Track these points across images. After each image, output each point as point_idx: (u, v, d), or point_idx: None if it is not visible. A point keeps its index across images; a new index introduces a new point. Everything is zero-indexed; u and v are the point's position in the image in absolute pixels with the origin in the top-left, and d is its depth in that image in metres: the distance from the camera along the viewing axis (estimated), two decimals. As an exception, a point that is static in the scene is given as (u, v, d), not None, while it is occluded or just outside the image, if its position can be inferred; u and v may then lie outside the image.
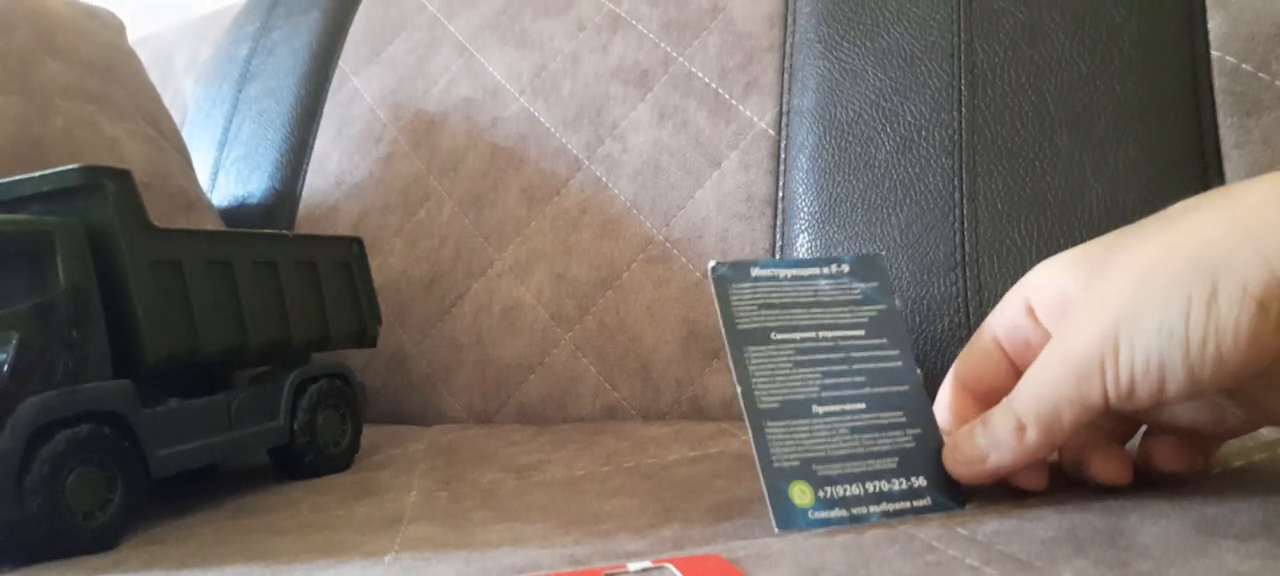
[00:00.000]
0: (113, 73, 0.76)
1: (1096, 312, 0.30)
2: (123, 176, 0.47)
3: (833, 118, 0.64)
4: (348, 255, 0.62)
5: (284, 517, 0.44)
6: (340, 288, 0.60)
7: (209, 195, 0.90)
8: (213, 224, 0.78)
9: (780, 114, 0.66)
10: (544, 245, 0.72)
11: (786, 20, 0.68)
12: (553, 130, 0.75)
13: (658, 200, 0.68)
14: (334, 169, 0.85)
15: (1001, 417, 0.32)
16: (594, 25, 0.76)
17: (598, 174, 0.72)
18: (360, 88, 0.87)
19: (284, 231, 0.59)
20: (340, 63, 0.90)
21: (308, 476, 0.54)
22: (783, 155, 0.65)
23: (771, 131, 0.66)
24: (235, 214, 0.87)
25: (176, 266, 0.49)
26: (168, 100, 0.87)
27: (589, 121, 0.74)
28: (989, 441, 0.32)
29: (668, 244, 0.67)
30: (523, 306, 0.72)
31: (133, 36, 0.92)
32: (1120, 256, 0.30)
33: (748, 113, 0.67)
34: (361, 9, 0.93)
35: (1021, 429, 0.32)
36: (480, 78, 0.80)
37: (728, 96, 0.69)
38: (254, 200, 0.87)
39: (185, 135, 0.95)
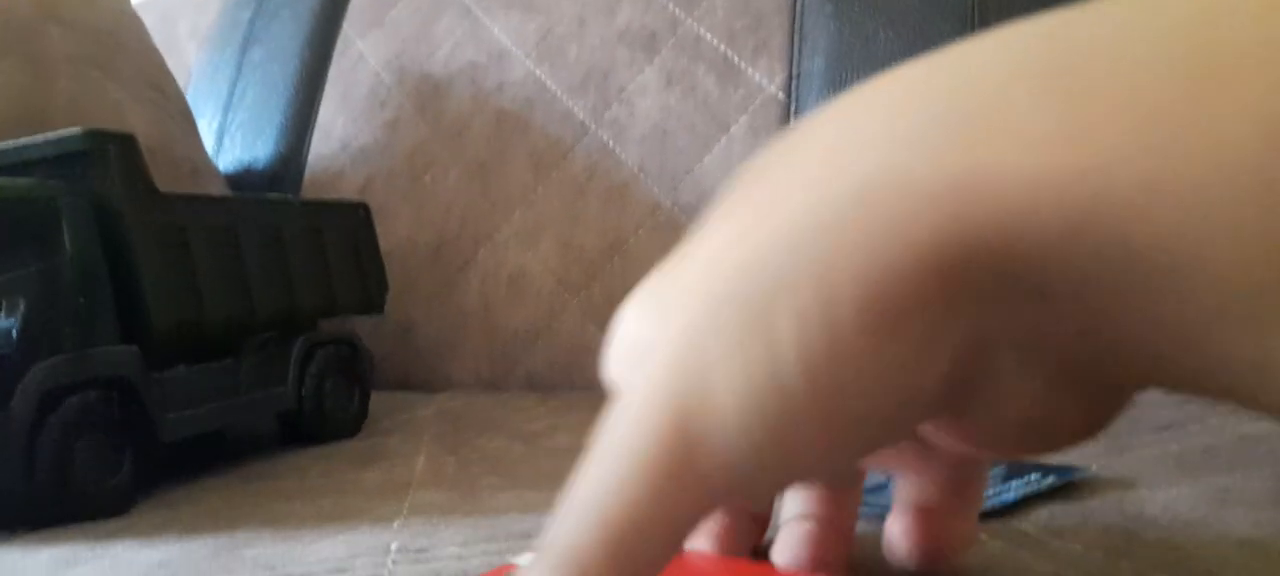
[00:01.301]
0: (116, 38, 0.76)
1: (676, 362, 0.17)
2: (127, 141, 0.47)
3: (843, 81, 0.63)
4: (354, 221, 0.62)
5: (292, 483, 0.44)
6: (346, 254, 0.60)
7: (214, 160, 0.89)
8: (218, 189, 0.78)
9: (790, 77, 0.65)
10: (551, 211, 0.72)
11: (796, -18, 0.67)
12: (559, 95, 0.74)
13: (665, 165, 0.68)
14: (339, 134, 0.84)
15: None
16: (601, -12, 0.75)
17: (605, 139, 0.71)
18: (365, 51, 0.87)
19: (289, 197, 0.58)
20: (345, 25, 0.90)
21: (315, 442, 0.54)
22: (792, 119, 0.64)
23: (781, 95, 0.65)
24: (241, 179, 0.87)
25: (182, 233, 0.48)
26: (172, 66, 0.86)
27: (596, 86, 0.73)
28: None
29: (676, 210, 0.66)
30: (530, 273, 0.71)
31: (136, 1, 0.92)
32: (676, 285, 0.18)
33: (757, 77, 0.67)
34: (366, -29, 0.92)
35: None
36: (486, 41, 0.80)
37: (736, 60, 0.68)
38: (259, 166, 0.87)
39: (189, 100, 0.94)
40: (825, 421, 0.16)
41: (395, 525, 0.35)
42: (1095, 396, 0.17)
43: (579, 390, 0.66)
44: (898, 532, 0.23)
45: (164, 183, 0.49)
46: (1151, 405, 0.43)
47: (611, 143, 0.71)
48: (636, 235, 0.68)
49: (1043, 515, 0.30)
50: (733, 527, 0.24)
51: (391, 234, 0.78)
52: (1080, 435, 0.18)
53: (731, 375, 0.16)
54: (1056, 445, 0.18)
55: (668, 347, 0.17)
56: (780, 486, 0.20)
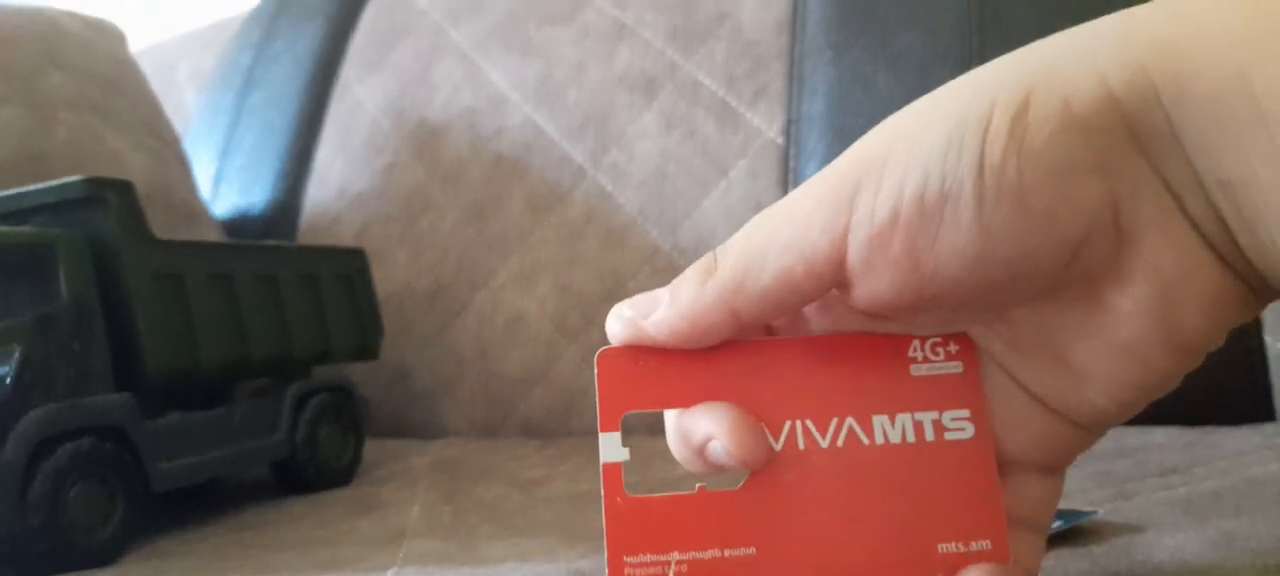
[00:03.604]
0: (115, 84, 0.76)
1: (857, 145, 0.22)
2: (125, 188, 0.47)
3: (842, 125, 0.63)
4: (350, 267, 0.62)
5: (286, 532, 0.44)
6: (342, 300, 0.60)
7: (211, 204, 0.89)
8: (214, 235, 0.78)
9: (789, 122, 0.66)
10: (548, 255, 0.72)
11: (795, 26, 0.68)
12: (557, 139, 0.75)
13: (664, 209, 0.68)
14: (336, 179, 0.85)
15: (698, 261, 0.23)
16: (599, 33, 0.76)
17: (603, 183, 0.71)
18: (363, 96, 0.87)
19: (285, 243, 0.58)
20: (343, 71, 0.90)
21: (309, 490, 0.54)
22: (791, 163, 0.64)
23: (779, 139, 0.65)
24: (237, 224, 0.87)
25: (178, 279, 0.48)
26: (170, 111, 0.86)
27: (594, 130, 0.73)
28: (670, 287, 0.23)
29: (675, 253, 0.66)
30: (526, 318, 0.71)
31: (135, 48, 0.92)
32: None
33: (756, 121, 0.67)
34: (365, 16, 0.93)
35: (710, 269, 0.22)
36: (484, 87, 0.80)
37: (735, 104, 0.68)
38: (256, 210, 0.87)
39: (187, 143, 0.94)
40: (1016, 204, 0.19)
41: (390, 574, 0.34)
42: (1220, 285, 0.20)
43: (576, 435, 0.66)
44: None
45: (161, 228, 0.49)
46: (1158, 449, 0.42)
47: (610, 186, 0.71)
48: (635, 278, 0.68)
49: (1050, 561, 0.29)
50: None
51: (388, 278, 0.78)
52: (1200, 343, 0.21)
53: (960, 125, 0.20)
54: (1178, 365, 0.21)
55: (882, 126, 0.21)
56: (923, 274, 0.21)
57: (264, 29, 1.00)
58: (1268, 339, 0.46)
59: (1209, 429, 0.44)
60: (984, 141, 0.19)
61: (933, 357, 0.23)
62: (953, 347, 0.23)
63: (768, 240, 0.22)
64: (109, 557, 0.41)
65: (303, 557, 0.38)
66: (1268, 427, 0.44)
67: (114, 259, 0.45)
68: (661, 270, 0.66)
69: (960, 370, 0.23)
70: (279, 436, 0.52)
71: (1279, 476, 0.36)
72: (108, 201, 0.45)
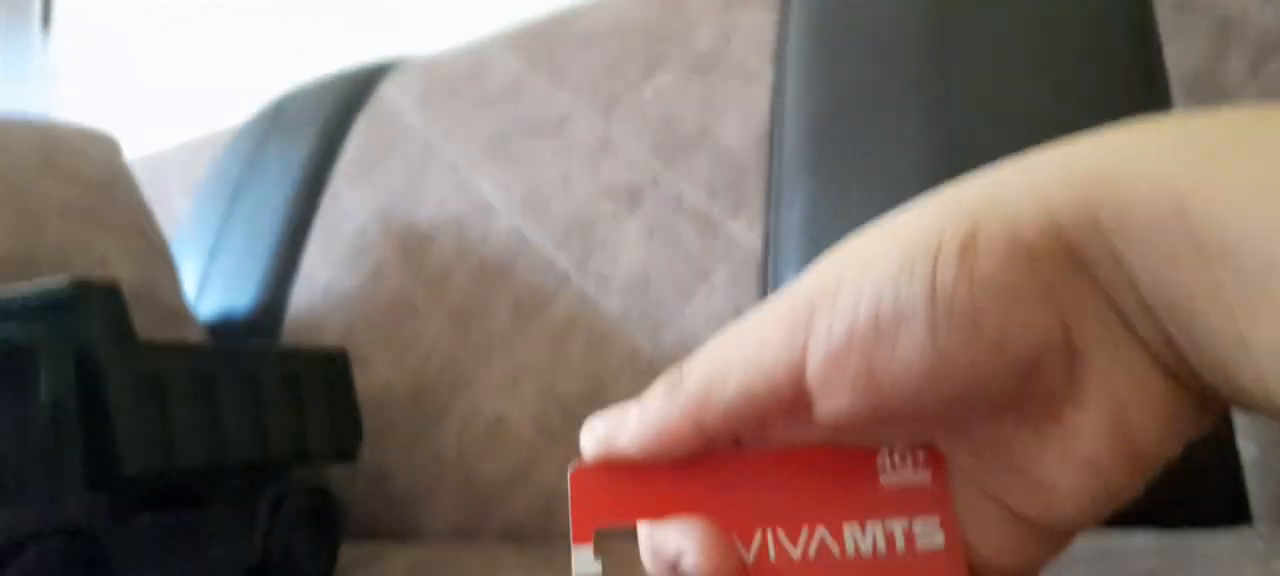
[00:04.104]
0: (107, 191, 0.77)
1: (814, 268, 0.23)
2: (110, 291, 0.47)
3: (820, 234, 0.65)
4: (331, 369, 0.62)
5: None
6: (322, 402, 0.60)
7: (196, 306, 0.90)
8: (197, 336, 0.78)
9: (767, 231, 0.67)
10: (531, 360, 0.72)
11: (773, 143, 0.70)
12: (542, 246, 0.76)
13: (647, 314, 0.69)
14: (321, 282, 0.85)
15: (662, 376, 0.24)
16: (585, 147, 0.78)
17: (587, 288, 0.72)
18: (351, 205, 0.89)
19: (267, 345, 0.58)
20: (333, 180, 0.92)
21: (283, 597, 0.53)
22: (770, 270, 0.66)
23: (759, 246, 0.67)
24: (222, 326, 0.87)
25: (159, 381, 0.48)
26: (160, 216, 0.87)
27: (579, 238, 0.75)
28: (639, 401, 0.24)
29: (657, 356, 0.67)
30: (509, 422, 0.71)
31: (129, 156, 0.94)
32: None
33: (735, 230, 0.69)
34: (355, 131, 0.95)
35: (676, 383, 0.23)
36: (471, 196, 0.82)
37: (716, 214, 0.70)
38: (240, 312, 0.87)
39: (176, 248, 0.95)
40: (968, 325, 0.20)
41: (362, 681, 0.33)
42: (1170, 401, 0.21)
43: (557, 541, 0.65)
44: None
45: (144, 327, 0.49)
46: (1137, 554, 0.42)
47: (593, 292, 0.72)
48: (617, 382, 0.68)
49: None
50: None
51: (370, 380, 0.77)
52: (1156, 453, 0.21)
53: (911, 253, 0.21)
54: (1133, 478, 0.21)
55: (836, 253, 0.22)
56: (879, 392, 0.22)
57: (256, 141, 1.03)
58: (1240, 443, 0.47)
59: (1187, 532, 0.44)
60: (934, 268, 0.20)
61: (901, 466, 0.23)
62: (920, 456, 0.24)
63: (729, 357, 0.23)
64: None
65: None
66: (1245, 531, 0.44)
67: (96, 361, 0.45)
68: (644, 373, 0.67)
69: (928, 479, 0.23)
70: (253, 540, 0.51)
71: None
72: (93, 303, 0.46)
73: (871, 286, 0.21)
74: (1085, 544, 0.44)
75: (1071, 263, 0.20)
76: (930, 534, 0.23)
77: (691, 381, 0.23)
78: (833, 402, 0.22)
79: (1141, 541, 0.44)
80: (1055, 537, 0.23)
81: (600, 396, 0.68)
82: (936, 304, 0.20)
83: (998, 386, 0.21)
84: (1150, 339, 0.21)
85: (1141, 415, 0.21)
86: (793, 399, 0.22)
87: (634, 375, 0.67)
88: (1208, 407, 0.21)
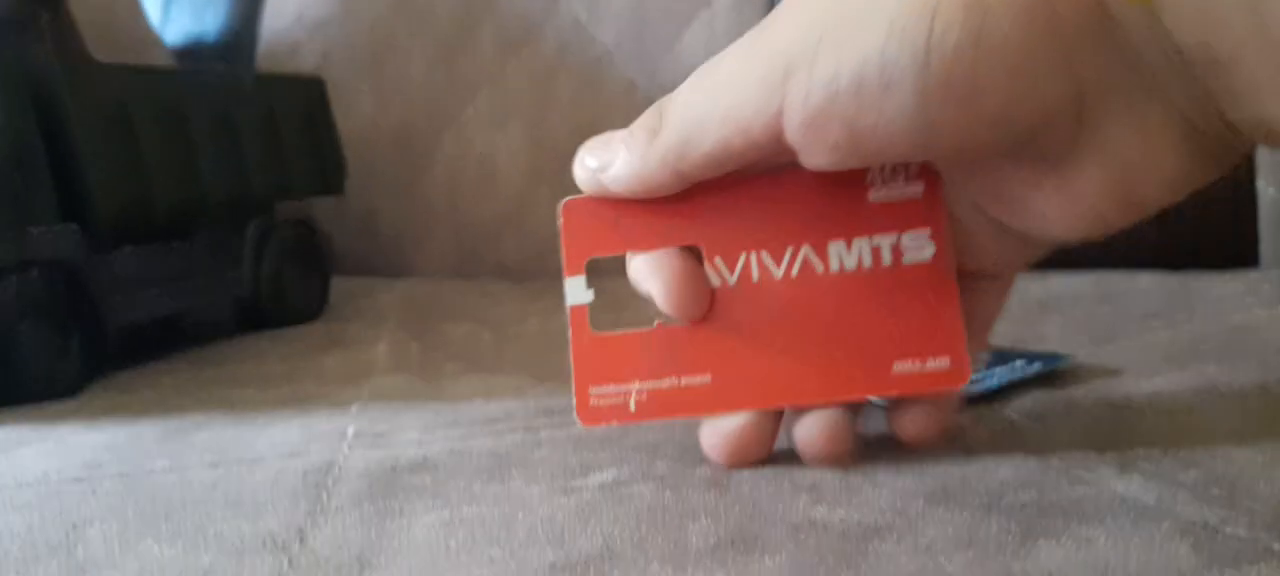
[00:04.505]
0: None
1: (790, 15, 0.21)
2: (56, 7, 0.43)
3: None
4: (308, 98, 0.58)
5: (248, 367, 0.43)
6: (301, 133, 0.57)
7: (160, 32, 0.84)
8: (163, 62, 0.74)
9: (773, -48, 0.62)
10: (520, 98, 0.69)
11: None
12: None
13: (642, 44, 0.65)
14: (293, 6, 0.80)
15: (645, 115, 0.23)
16: None
17: (577, 15, 0.67)
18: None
19: (240, 71, 0.55)
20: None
21: (274, 327, 0.53)
22: (774, -3, 0.61)
23: (763, -29, 0.62)
24: (189, 53, 0.82)
25: (123, 108, 0.45)
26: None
27: (568, -41, 0.69)
28: (622, 136, 0.23)
29: (652, 94, 0.64)
30: (497, 161, 0.69)
31: None
32: None
33: (738, -50, 0.63)
34: None
35: (654, 128, 0.22)
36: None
37: (717, -68, 0.64)
38: (209, 38, 0.82)
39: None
40: (966, 89, 0.18)
41: (353, 409, 0.33)
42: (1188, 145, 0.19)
43: (549, 280, 0.65)
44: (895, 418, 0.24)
45: (104, 54, 0.46)
46: (1141, 295, 0.42)
47: (584, 19, 0.67)
48: (609, 121, 0.65)
49: (1027, 402, 0.29)
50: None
51: (353, 116, 0.74)
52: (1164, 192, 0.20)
53: (903, 9, 0.18)
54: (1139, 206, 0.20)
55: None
56: (863, 151, 0.20)
57: None
58: (1260, 184, 0.45)
59: (1193, 274, 0.44)
60: (930, 30, 0.18)
61: (892, 181, 0.23)
62: (913, 169, 0.23)
63: (707, 109, 0.21)
64: (66, 391, 0.40)
65: (264, 391, 0.38)
66: (1252, 274, 0.44)
67: (51, 86, 0.42)
68: (639, 109, 0.64)
69: (920, 192, 0.23)
70: (241, 274, 0.51)
71: (1261, 323, 0.36)
72: (40, 23, 0.42)
73: (855, 50, 0.19)
74: (1089, 281, 0.44)
75: (1102, 24, 0.18)
76: (919, 247, 0.23)
77: (669, 131, 0.22)
78: (814, 159, 0.21)
79: (1146, 282, 0.43)
80: (1041, 248, 0.23)
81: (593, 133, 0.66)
82: (929, 72, 0.18)
83: (991, 150, 0.20)
84: (1178, 97, 0.19)
85: (1147, 174, 0.20)
86: (773, 150, 0.21)
87: (629, 111, 0.64)
88: (1224, 161, 0.20)
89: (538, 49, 0.69)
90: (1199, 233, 0.45)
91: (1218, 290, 0.41)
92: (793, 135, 0.20)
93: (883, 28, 0.18)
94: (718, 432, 0.24)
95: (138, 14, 0.74)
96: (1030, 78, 0.18)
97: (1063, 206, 0.21)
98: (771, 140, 0.21)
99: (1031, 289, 0.43)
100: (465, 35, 0.72)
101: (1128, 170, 0.20)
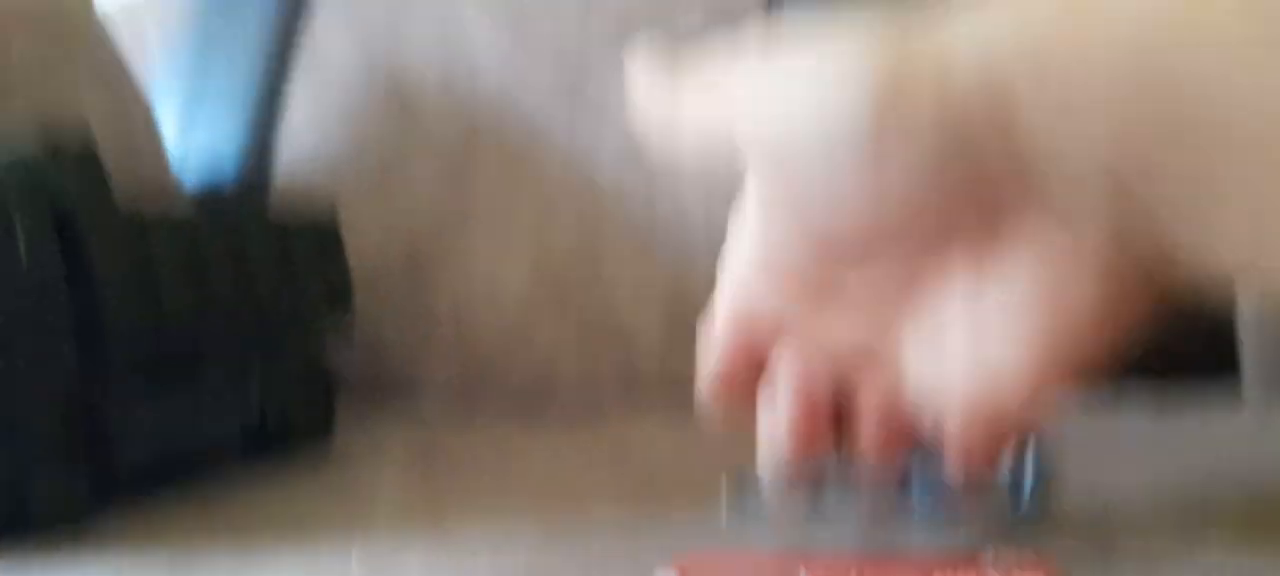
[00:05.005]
0: (81, 39, 0.74)
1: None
2: (86, 143, 0.45)
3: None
4: (321, 229, 0.60)
5: (252, 498, 0.44)
6: (313, 262, 0.59)
7: (177, 156, 0.88)
8: (179, 191, 0.76)
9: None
10: (524, 221, 0.71)
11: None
12: (532, 94, 0.74)
13: (644, 171, 0.67)
14: (308, 138, 0.83)
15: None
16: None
17: (581, 140, 0.70)
18: (334, 47, 0.85)
19: (254, 200, 0.57)
20: (314, 21, 0.88)
21: (278, 457, 0.53)
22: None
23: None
24: (204, 178, 0.85)
25: (143, 238, 0.47)
26: (137, 66, 0.84)
27: (569, 81, 0.72)
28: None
29: (655, 220, 0.66)
30: (502, 284, 0.70)
31: (103, 3, 0.90)
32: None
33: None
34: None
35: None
36: (458, 42, 0.79)
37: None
38: (223, 166, 0.85)
39: (152, 98, 0.93)
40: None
41: (356, 548, 0.34)
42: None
43: (557, 406, 0.65)
44: None
45: (123, 182, 0.48)
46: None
47: (587, 142, 0.70)
48: (613, 244, 0.67)
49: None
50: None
51: (360, 248, 0.76)
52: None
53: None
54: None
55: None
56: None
57: (233, -17, 0.98)
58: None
59: (1175, 402, 0.44)
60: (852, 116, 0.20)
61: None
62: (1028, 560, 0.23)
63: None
64: (76, 523, 0.40)
65: (267, 525, 0.38)
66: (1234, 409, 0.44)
67: (74, 219, 0.44)
68: (642, 237, 0.66)
69: None
70: (248, 411, 0.52)
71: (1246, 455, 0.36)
72: (67, 158, 0.44)
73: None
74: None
75: (1006, 125, 0.18)
76: None
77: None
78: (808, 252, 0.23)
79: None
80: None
81: (594, 258, 0.67)
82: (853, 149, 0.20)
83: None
84: (1090, 213, 0.19)
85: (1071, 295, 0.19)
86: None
87: (630, 238, 0.66)
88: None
89: (542, 173, 0.71)
90: (1181, 343, 0.46)
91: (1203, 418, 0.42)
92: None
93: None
94: None
95: (159, 150, 0.77)
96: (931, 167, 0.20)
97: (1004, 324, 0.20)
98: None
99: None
100: (471, 158, 0.74)
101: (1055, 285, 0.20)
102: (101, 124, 0.71)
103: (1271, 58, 0.15)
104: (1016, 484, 0.32)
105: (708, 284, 0.32)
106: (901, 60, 0.19)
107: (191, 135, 0.90)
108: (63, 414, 0.41)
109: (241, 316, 0.52)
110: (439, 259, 0.73)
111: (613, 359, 0.64)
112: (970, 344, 0.21)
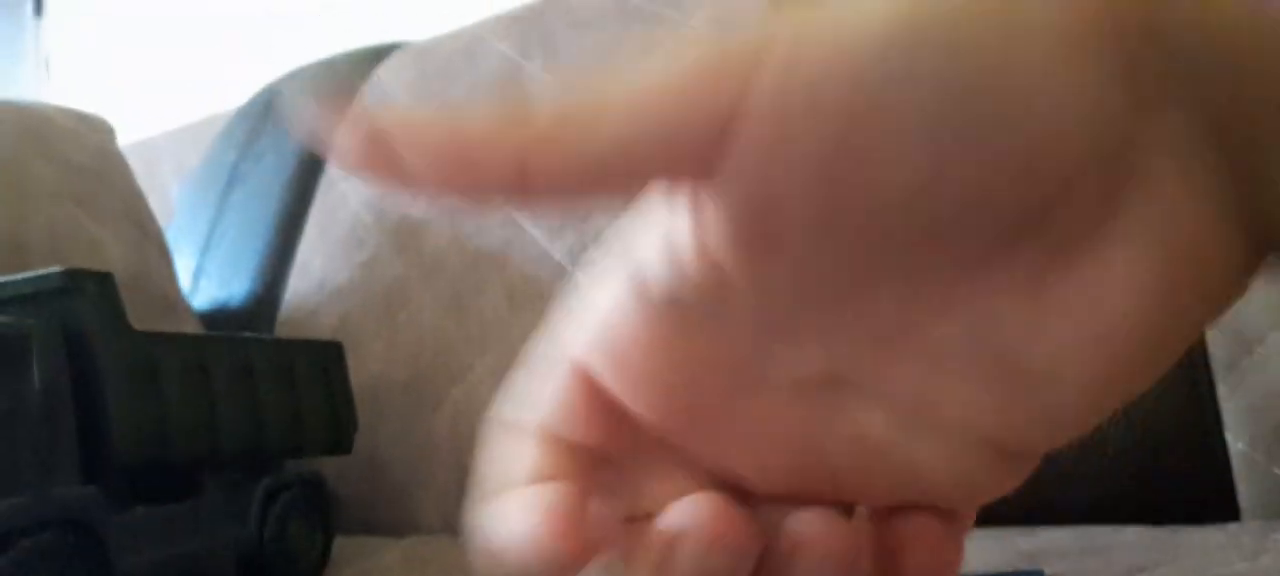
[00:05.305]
0: (100, 176, 0.77)
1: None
2: (103, 279, 0.47)
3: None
4: (326, 361, 0.62)
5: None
6: (317, 393, 0.60)
7: (191, 296, 0.89)
8: (192, 327, 0.78)
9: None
10: (526, 349, 0.72)
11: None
12: (537, 237, 0.76)
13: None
14: (317, 272, 0.85)
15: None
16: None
17: (582, 274, 0.72)
18: (347, 192, 0.89)
19: (262, 335, 0.58)
20: (328, 168, 0.92)
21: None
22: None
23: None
24: (216, 316, 0.87)
25: (153, 369, 0.48)
26: (154, 204, 0.87)
27: (573, 228, 0.75)
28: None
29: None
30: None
31: (122, 142, 0.94)
32: None
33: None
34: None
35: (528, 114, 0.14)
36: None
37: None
38: (235, 303, 0.87)
39: (169, 237, 0.95)
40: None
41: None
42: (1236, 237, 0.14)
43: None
44: None
45: (138, 317, 0.49)
46: (1125, 548, 0.43)
47: (588, 276, 0.72)
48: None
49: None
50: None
51: (364, 370, 0.77)
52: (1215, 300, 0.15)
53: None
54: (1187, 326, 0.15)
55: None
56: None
57: (250, 127, 1.02)
58: (1228, 437, 0.47)
59: (1176, 528, 0.44)
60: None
61: None
62: None
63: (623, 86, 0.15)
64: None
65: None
66: (1232, 527, 0.45)
67: (89, 349, 0.45)
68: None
69: None
70: (247, 530, 0.52)
71: (1243, 574, 0.36)
72: (86, 292, 0.46)
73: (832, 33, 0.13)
74: (1072, 536, 0.45)
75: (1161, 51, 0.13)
76: None
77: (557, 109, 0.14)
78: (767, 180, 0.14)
79: (1131, 536, 0.44)
80: (1017, 455, 0.16)
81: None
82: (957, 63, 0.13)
83: (999, 223, 0.14)
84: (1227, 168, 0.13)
85: (1195, 267, 0.14)
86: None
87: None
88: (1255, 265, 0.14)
89: (545, 305, 0.73)
90: (1177, 486, 0.47)
91: (1200, 542, 0.42)
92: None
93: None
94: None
95: (170, 279, 0.79)
96: (1073, 87, 0.13)
97: (1075, 329, 0.14)
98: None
99: (1020, 542, 0.43)
100: (475, 290, 0.76)
101: (1171, 263, 0.14)
102: (117, 250, 0.73)
103: None
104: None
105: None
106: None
107: (207, 266, 0.93)
108: (65, 540, 0.41)
109: (245, 442, 0.53)
110: (441, 390, 0.74)
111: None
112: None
